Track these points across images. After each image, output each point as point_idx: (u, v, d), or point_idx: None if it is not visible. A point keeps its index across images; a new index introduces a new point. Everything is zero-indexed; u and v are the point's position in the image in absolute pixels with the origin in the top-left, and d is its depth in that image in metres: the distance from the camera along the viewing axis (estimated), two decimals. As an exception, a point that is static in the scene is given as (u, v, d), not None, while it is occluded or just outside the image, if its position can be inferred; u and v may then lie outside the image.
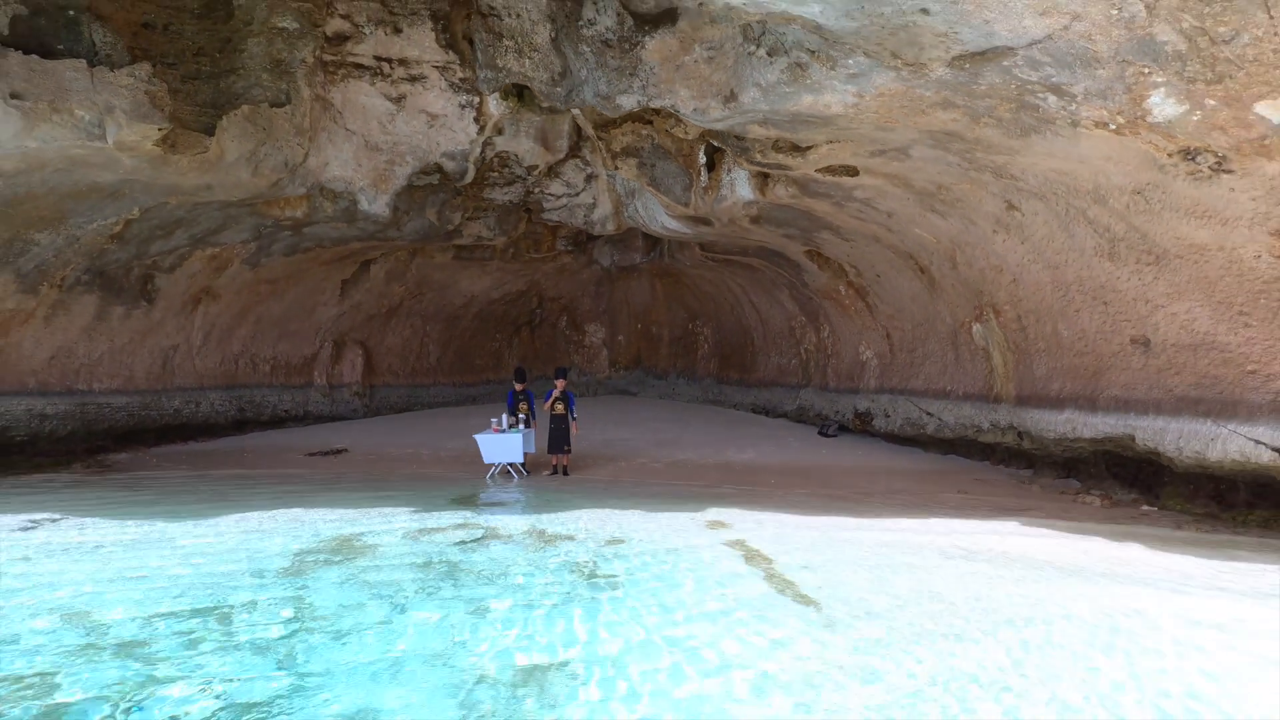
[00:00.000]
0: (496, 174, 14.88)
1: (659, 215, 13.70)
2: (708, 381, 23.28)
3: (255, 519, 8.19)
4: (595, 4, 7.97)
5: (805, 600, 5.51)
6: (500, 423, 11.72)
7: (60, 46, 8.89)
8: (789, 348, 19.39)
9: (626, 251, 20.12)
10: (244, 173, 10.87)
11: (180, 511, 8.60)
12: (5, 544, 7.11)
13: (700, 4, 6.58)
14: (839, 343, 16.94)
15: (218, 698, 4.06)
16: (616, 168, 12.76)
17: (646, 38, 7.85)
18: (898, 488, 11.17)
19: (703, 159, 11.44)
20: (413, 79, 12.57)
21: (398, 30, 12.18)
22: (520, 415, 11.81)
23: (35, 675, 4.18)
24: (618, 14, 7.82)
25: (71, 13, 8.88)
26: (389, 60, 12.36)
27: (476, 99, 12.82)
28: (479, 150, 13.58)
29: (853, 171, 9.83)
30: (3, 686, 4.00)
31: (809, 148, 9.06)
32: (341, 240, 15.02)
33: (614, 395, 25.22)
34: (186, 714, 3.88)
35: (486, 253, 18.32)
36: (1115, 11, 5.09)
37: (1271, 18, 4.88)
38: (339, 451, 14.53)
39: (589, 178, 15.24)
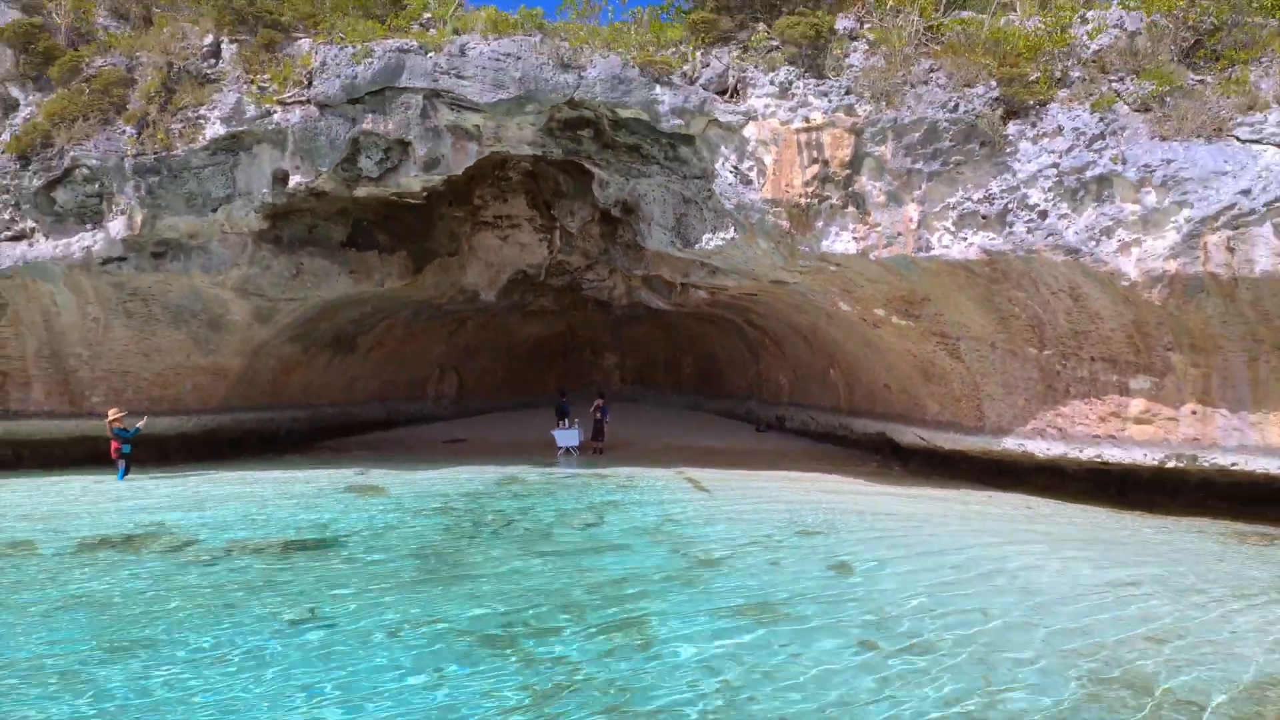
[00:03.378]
0: (555, 270, 23.52)
1: (654, 301, 22.34)
2: (689, 394, 32.06)
3: (461, 470, 16.87)
4: (622, 227, 16.60)
5: (708, 491, 14.22)
6: (565, 423, 20.38)
7: (360, 240, 17.58)
8: (741, 373, 28.09)
9: (634, 307, 28.70)
10: (430, 290, 19.59)
11: (413, 465, 17.26)
12: (373, 478, 15.73)
13: (671, 253, 15.24)
14: (769, 372, 25.61)
15: (514, 499, 12.76)
16: (630, 284, 21.44)
17: (650, 241, 16.44)
18: (788, 459, 19.79)
19: (679, 282, 20.03)
20: (513, 226, 21.24)
21: (505, 200, 20.84)
22: (565, 418, 20.49)
23: (434, 509, 12.84)
24: (634, 233, 16.43)
25: (365, 223, 17.56)
26: (501, 216, 21.03)
27: (549, 236, 21.47)
28: (548, 262, 22.23)
29: (753, 294, 18.47)
30: (435, 510, 12.67)
31: (727, 287, 17.72)
32: (459, 312, 23.71)
33: (623, 403, 33.90)
34: (501, 510, 12.51)
35: (541, 310, 26.98)
36: (824, 278, 13.72)
37: (872, 281, 13.51)
38: (461, 440, 23.19)
39: (610, 272, 23.85)
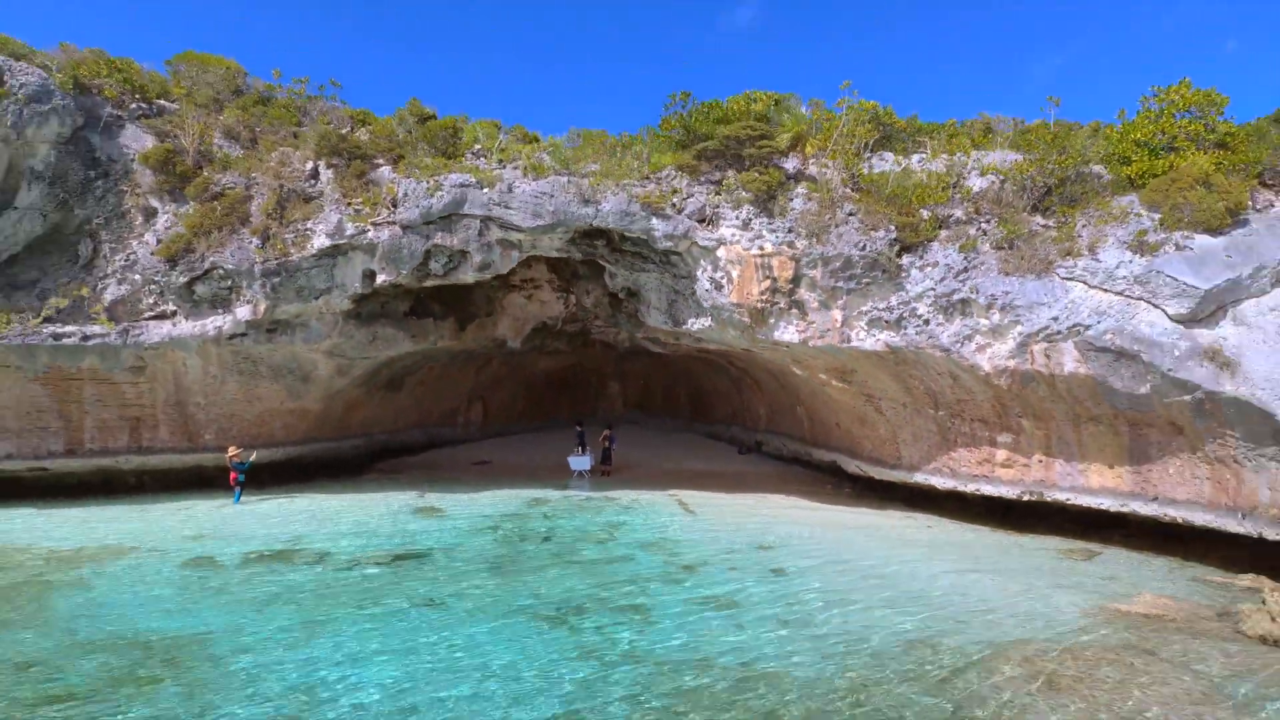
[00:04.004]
0: (570, 320, 27.59)
1: (652, 347, 26.42)
2: (683, 419, 36.13)
3: (498, 493, 20.92)
4: (626, 302, 20.69)
5: (693, 512, 18.34)
6: (580, 451, 24.44)
7: (419, 310, 21.64)
8: (726, 402, 32.15)
9: (635, 348, 32.76)
10: (470, 343, 23.65)
11: (456, 488, 21.29)
12: (432, 500, 19.78)
13: (664, 328, 19.30)
14: (749, 403, 29.67)
15: (544, 519, 16.87)
16: (632, 334, 25.56)
17: (648, 319, 20.51)
18: (762, 480, 23.83)
19: (674, 338, 24.10)
20: (535, 287, 25.31)
21: (529, 266, 24.91)
22: (583, 444, 24.54)
23: (487, 527, 16.93)
24: (636, 309, 20.49)
25: (421, 297, 21.63)
26: (526, 280, 25.09)
27: (565, 295, 25.53)
28: (564, 315, 26.31)
29: (731, 348, 22.54)
30: (487, 529, 16.77)
31: (710, 347, 21.77)
32: (488, 354, 27.77)
33: (626, 425, 37.97)
34: (537, 529, 16.60)
35: (556, 350, 31.02)
36: (779, 353, 17.76)
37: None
38: (487, 462, 27.23)
39: (615, 323, 27.92)
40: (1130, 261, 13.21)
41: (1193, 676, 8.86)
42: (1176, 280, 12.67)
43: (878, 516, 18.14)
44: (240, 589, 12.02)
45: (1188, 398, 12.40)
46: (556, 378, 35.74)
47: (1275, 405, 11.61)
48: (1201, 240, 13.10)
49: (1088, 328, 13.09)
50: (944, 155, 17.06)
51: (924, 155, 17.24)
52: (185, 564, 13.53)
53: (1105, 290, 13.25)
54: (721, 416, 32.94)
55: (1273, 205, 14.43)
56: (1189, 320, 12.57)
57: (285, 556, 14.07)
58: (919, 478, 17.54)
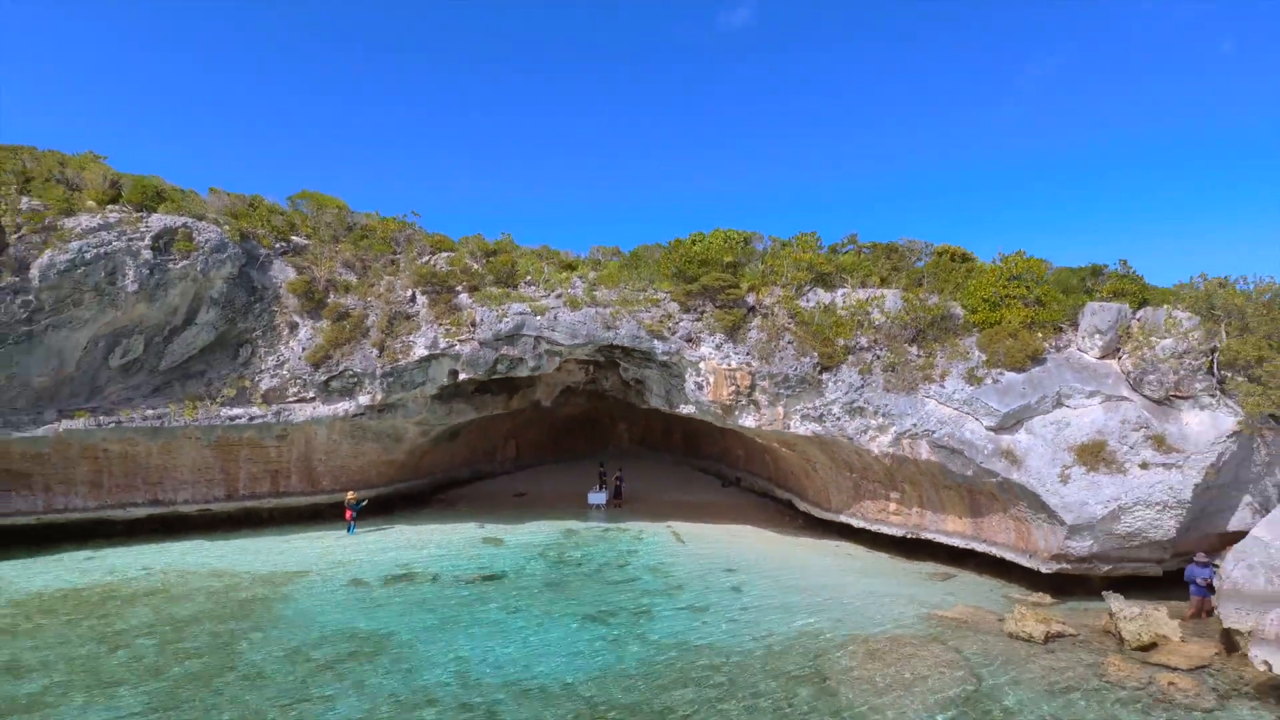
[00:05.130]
0: (590, 382, 34.37)
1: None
2: (678, 453, 42.96)
3: (538, 524, 27.70)
4: (634, 385, 27.39)
5: (684, 542, 25.13)
6: (598, 487, 31.18)
7: (481, 387, 28.40)
8: (713, 443, 38.88)
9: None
10: (514, 406, 30.42)
11: (506, 519, 28.05)
12: (491, 531, 26.56)
13: (663, 409, 25.91)
14: (731, 446, 36.40)
15: (576, 548, 23.66)
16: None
17: (650, 400, 27.17)
18: (738, 511, 30.51)
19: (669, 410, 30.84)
20: (563, 360, 32.06)
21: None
22: (603, 482, 31.29)
23: (537, 554, 23.70)
24: (641, 390, 27.14)
25: (484, 380, 28.41)
26: (564, 363, 31.87)
27: (588, 368, 32.28)
28: (585, 380, 33.08)
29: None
30: (538, 555, 23.57)
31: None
32: (523, 409, 34.54)
33: (632, 459, 44.77)
34: (571, 557, 23.38)
35: (576, 402, 37.79)
36: (745, 428, 24.47)
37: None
38: (524, 494, 33.97)
39: (625, 396, 34.67)
40: (963, 389, 19.95)
41: (954, 654, 15.54)
42: (988, 404, 19.41)
43: (815, 542, 24.84)
44: (394, 600, 18.72)
45: (993, 480, 19.13)
46: (575, 420, 42.59)
47: (1040, 489, 18.33)
48: (1009, 376, 19.84)
49: (934, 432, 19.84)
50: (860, 290, 23.80)
51: (846, 290, 23.98)
52: (347, 583, 20.21)
53: (947, 406, 19.99)
54: (709, 454, 39.73)
55: (1070, 344, 21.16)
56: (996, 429, 19.31)
57: (409, 578, 20.78)
58: (843, 518, 24.26)
